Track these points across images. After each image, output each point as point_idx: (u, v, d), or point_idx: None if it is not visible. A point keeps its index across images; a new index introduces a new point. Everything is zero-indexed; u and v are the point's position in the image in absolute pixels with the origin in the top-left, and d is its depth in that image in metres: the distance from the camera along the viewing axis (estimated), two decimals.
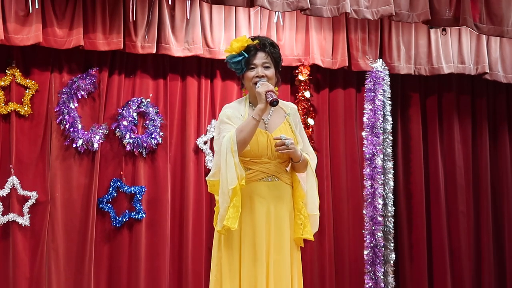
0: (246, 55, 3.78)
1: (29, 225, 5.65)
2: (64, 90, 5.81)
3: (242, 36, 3.95)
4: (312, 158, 3.89)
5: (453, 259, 6.74)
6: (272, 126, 3.82)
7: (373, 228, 6.21)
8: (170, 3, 5.92)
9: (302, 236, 3.82)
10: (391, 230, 6.31)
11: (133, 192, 5.89)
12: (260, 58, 3.80)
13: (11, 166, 5.67)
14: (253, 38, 3.84)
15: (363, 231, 6.26)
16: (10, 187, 5.63)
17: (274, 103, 3.66)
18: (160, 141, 5.98)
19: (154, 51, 5.88)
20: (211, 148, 6.01)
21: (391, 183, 6.37)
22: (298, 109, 6.33)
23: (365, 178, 6.30)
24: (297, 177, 3.88)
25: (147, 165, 5.98)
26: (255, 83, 3.77)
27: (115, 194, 5.88)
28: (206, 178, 3.87)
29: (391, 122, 6.42)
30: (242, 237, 3.72)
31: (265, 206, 3.74)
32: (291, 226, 3.81)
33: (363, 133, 6.35)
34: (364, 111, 6.39)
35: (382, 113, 6.35)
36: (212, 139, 5.96)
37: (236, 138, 3.65)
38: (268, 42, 3.85)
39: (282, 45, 6.29)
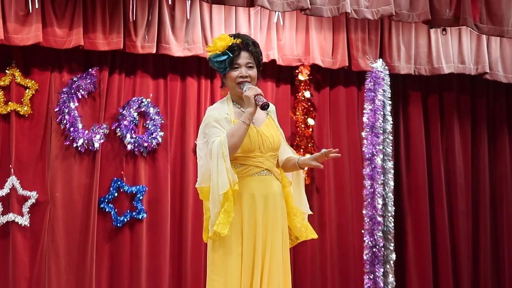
0: (231, 55, 3.74)
1: (28, 225, 5.64)
2: (64, 89, 5.81)
3: (223, 34, 3.91)
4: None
5: (455, 259, 6.74)
6: (259, 122, 3.80)
7: (373, 228, 6.20)
8: (170, 3, 5.91)
9: (307, 238, 3.86)
10: (391, 230, 6.30)
11: (134, 192, 5.89)
12: (244, 58, 3.76)
13: (11, 166, 5.66)
14: (234, 37, 3.80)
15: (362, 231, 6.25)
16: (10, 187, 5.62)
17: (265, 107, 3.64)
18: (160, 141, 5.98)
19: (154, 51, 5.88)
20: None
21: (391, 183, 6.36)
22: (299, 109, 6.39)
23: (364, 178, 6.29)
24: (287, 178, 3.87)
25: (148, 165, 5.97)
26: (238, 83, 3.75)
27: (116, 194, 5.87)
28: (196, 186, 3.80)
29: (391, 122, 6.42)
30: (237, 235, 3.68)
31: (257, 201, 3.71)
32: (283, 221, 3.80)
33: (363, 133, 6.34)
34: (364, 111, 6.38)
35: (382, 113, 6.34)
36: None
37: (228, 143, 3.61)
38: (250, 41, 3.81)
39: (282, 45, 6.29)
